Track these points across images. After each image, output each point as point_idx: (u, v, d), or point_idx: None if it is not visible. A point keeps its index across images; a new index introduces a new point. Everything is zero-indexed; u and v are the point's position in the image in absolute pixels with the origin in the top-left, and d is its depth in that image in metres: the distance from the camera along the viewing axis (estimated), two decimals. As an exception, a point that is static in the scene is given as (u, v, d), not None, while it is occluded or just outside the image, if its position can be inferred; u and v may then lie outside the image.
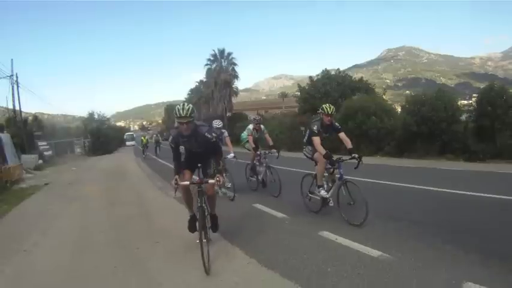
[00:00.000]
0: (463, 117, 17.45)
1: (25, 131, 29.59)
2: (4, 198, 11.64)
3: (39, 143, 33.66)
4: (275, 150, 9.20)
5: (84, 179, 16.92)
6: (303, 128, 24.54)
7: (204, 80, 53.54)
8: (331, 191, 6.43)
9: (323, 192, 6.48)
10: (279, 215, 6.97)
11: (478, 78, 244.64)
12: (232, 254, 4.98)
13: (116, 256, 5.28)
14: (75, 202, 10.31)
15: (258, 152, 9.28)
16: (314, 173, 6.71)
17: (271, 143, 9.67)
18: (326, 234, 5.51)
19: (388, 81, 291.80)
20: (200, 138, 4.89)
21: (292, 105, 47.71)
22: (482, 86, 17.67)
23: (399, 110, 22.10)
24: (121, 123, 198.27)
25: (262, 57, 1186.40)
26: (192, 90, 62.29)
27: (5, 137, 21.51)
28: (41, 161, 26.73)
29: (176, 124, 4.69)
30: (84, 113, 68.07)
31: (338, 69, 36.74)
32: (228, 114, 46.72)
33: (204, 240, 4.51)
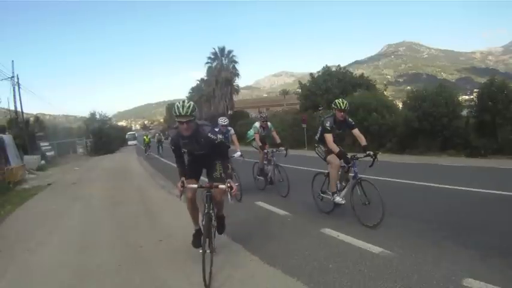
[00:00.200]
0: (464, 112, 17.46)
1: (27, 132, 29.69)
2: (7, 199, 11.69)
3: (41, 144, 33.79)
4: (283, 148, 8.88)
5: (87, 179, 16.97)
6: (304, 126, 24.69)
7: (205, 78, 53.67)
8: (345, 190, 6.17)
9: (338, 199, 6.12)
10: (281, 212, 7.00)
11: (479, 73, 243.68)
12: (235, 251, 5.02)
13: (119, 254, 5.32)
14: (79, 201, 10.36)
15: (266, 151, 8.99)
16: (326, 171, 6.42)
17: (278, 140, 9.35)
18: (328, 231, 5.54)
19: (389, 77, 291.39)
20: (203, 140, 4.39)
21: (293, 103, 47.82)
22: (483, 80, 17.66)
23: (400, 106, 22.13)
24: (122, 123, 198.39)
25: (262, 55, 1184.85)
26: (193, 89, 62.39)
27: (7, 138, 21.59)
28: (43, 162, 26.80)
29: (176, 124, 4.30)
30: (85, 113, 68.18)
31: (339, 65, 36.79)
32: (230, 112, 46.80)
33: (208, 251, 4.12)
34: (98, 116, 63.60)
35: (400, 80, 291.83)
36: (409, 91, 20.84)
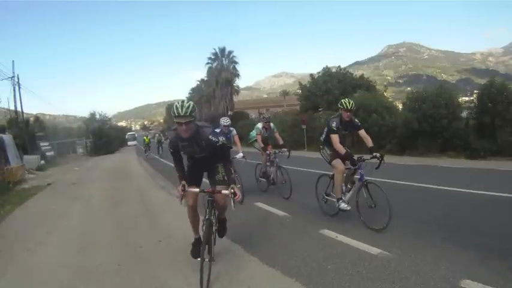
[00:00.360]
0: (464, 114, 17.46)
1: (27, 132, 29.72)
2: (7, 199, 11.72)
3: (41, 144, 33.84)
4: (286, 149, 8.69)
5: (86, 179, 17.00)
6: (304, 127, 24.69)
7: (205, 78, 53.69)
8: (350, 193, 6.04)
9: (343, 205, 5.93)
10: (280, 213, 7.01)
11: (479, 74, 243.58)
12: (234, 252, 5.03)
13: (119, 254, 5.33)
14: (79, 202, 10.37)
15: (268, 152, 8.82)
16: (331, 173, 6.28)
17: (281, 142, 9.12)
18: (326, 232, 5.56)
19: (389, 78, 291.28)
20: (203, 142, 4.18)
21: (293, 103, 47.88)
22: (483, 82, 17.67)
23: (400, 107, 22.13)
24: (122, 123, 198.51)
25: (262, 55, 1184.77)
26: (193, 89, 62.39)
27: (7, 138, 21.61)
28: (43, 162, 26.84)
29: (175, 126, 4.08)
30: (85, 113, 68.28)
31: (339, 66, 36.84)
32: (230, 113, 46.78)
33: (206, 260, 4.00)
34: (97, 116, 63.73)
35: (400, 81, 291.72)
36: (409, 92, 20.86)
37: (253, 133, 9.21)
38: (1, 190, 13.11)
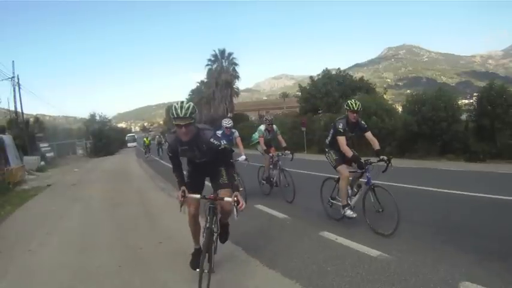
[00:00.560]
0: (464, 116, 17.48)
1: (27, 133, 29.69)
2: (7, 200, 11.71)
3: (41, 145, 33.80)
4: (289, 152, 8.51)
5: (86, 180, 17.01)
6: (304, 129, 24.70)
7: (205, 80, 53.72)
8: (357, 197, 5.89)
9: (349, 213, 5.78)
10: (281, 215, 7.02)
11: (479, 76, 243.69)
12: (234, 254, 5.05)
13: (119, 256, 5.35)
14: (79, 203, 10.39)
15: (271, 155, 8.68)
16: (336, 177, 6.14)
17: (284, 144, 8.92)
18: (326, 234, 5.58)
19: (389, 80, 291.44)
20: (204, 146, 3.93)
21: (293, 106, 47.87)
22: (483, 84, 17.69)
23: (400, 109, 22.15)
24: (122, 125, 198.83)
25: (262, 57, 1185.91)
26: (193, 91, 62.41)
27: (7, 138, 21.63)
28: (43, 163, 26.83)
29: (174, 128, 3.83)
30: (85, 115, 68.29)
31: (339, 68, 36.99)
32: (230, 115, 46.72)
33: (206, 271, 3.76)
34: (97, 118, 63.73)
35: (400, 83, 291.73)
36: (409, 95, 20.89)
37: (256, 135, 9.03)
38: (1, 191, 13.11)
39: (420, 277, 3.86)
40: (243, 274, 4.33)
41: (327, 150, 6.23)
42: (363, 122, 6.00)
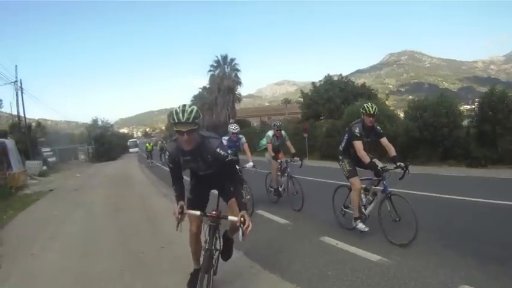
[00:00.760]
0: (465, 122, 17.49)
1: (29, 137, 29.75)
2: (9, 204, 11.80)
3: (43, 150, 33.84)
4: (298, 159, 8.24)
5: (89, 185, 17.08)
6: (305, 135, 24.70)
7: (207, 86, 53.76)
8: (372, 205, 5.67)
9: (361, 226, 5.53)
10: (282, 221, 7.06)
11: (481, 82, 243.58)
12: (235, 258, 5.04)
13: (122, 260, 5.38)
14: (81, 208, 10.43)
15: (279, 161, 8.36)
16: (349, 184, 5.84)
17: (293, 150, 8.65)
18: (327, 239, 5.63)
19: (390, 86, 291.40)
20: (210, 156, 3.44)
21: (295, 112, 47.88)
22: (485, 90, 17.69)
23: (402, 115, 22.16)
24: (124, 130, 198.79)
25: (264, 63, 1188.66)
26: (195, 97, 62.44)
27: (10, 142, 21.69)
28: (45, 168, 26.87)
29: (175, 136, 3.37)
30: (87, 120, 68.29)
31: (340, 74, 37.02)
32: (232, 120, 46.79)
33: None
34: (100, 123, 63.84)
35: (402, 89, 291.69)
36: (410, 101, 20.89)
37: (264, 141, 8.74)
38: (3, 195, 13.19)
39: (420, 281, 3.89)
40: (244, 278, 4.36)
41: (340, 158, 5.92)
42: (378, 127, 5.78)
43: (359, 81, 43.85)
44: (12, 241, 7.10)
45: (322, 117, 32.36)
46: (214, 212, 3.54)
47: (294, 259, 4.88)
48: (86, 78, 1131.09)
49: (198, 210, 3.55)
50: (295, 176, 8.25)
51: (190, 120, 3.05)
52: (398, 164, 5.32)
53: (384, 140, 5.68)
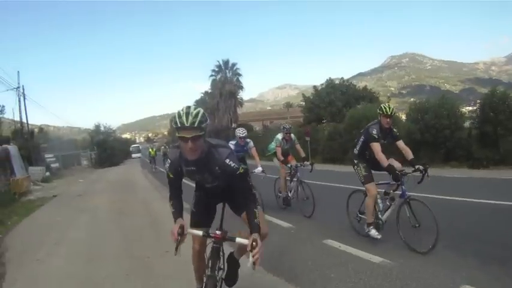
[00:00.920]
0: (467, 123, 17.52)
1: (32, 143, 29.84)
2: (13, 210, 11.87)
3: (46, 155, 33.87)
4: (308, 163, 7.99)
5: (92, 191, 17.11)
6: (308, 139, 24.72)
7: (209, 91, 53.83)
8: (389, 211, 5.41)
9: (374, 233, 5.35)
10: (285, 224, 7.08)
11: (483, 83, 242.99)
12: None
13: (127, 265, 5.42)
14: (85, 213, 10.49)
15: (289, 165, 8.08)
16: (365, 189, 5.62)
17: (303, 154, 8.41)
18: (330, 242, 5.67)
19: (392, 89, 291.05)
20: (218, 168, 2.90)
21: (297, 115, 47.96)
22: (486, 91, 17.73)
23: (403, 118, 22.17)
24: (127, 135, 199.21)
25: (266, 67, 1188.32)
26: (197, 102, 62.46)
27: (13, 148, 21.73)
28: (48, 173, 26.94)
29: (177, 142, 2.80)
30: (89, 125, 68.49)
31: (342, 78, 37.13)
32: (234, 125, 46.81)
33: None
34: (102, 128, 63.90)
35: (404, 91, 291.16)
36: (412, 103, 20.94)
37: (273, 145, 8.45)
38: (7, 201, 13.26)
39: (421, 282, 3.93)
40: (247, 281, 4.38)
41: (355, 162, 5.69)
42: (395, 130, 5.60)
43: (360, 84, 44.09)
44: (17, 247, 7.14)
45: (324, 121, 32.41)
46: (218, 232, 2.99)
47: (297, 262, 4.92)
48: (88, 84, 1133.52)
49: (202, 226, 3.19)
50: (306, 181, 7.96)
51: (196, 124, 2.55)
52: (416, 167, 5.12)
53: (400, 143, 5.50)
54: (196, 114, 2.59)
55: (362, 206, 5.81)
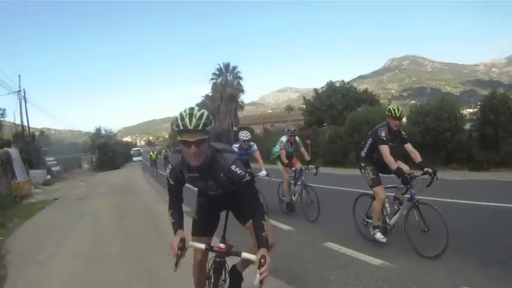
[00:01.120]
0: (467, 126, 17.54)
1: (33, 146, 29.89)
2: (14, 213, 11.87)
3: (47, 159, 33.88)
4: (313, 166, 7.79)
5: (93, 194, 17.14)
6: (308, 142, 24.73)
7: (210, 94, 53.77)
8: (397, 215, 5.33)
9: (379, 236, 5.29)
10: (286, 227, 7.08)
11: (483, 85, 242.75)
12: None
13: (128, 267, 5.43)
14: (86, 216, 10.50)
15: (294, 168, 8.07)
16: (372, 192, 5.55)
17: (308, 157, 8.28)
18: (330, 244, 5.68)
19: (393, 91, 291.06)
20: (223, 175, 2.66)
21: (298, 118, 47.87)
22: (487, 93, 17.77)
23: (404, 120, 22.19)
24: (127, 139, 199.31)
25: (267, 71, 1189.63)
26: (198, 105, 62.17)
27: (14, 152, 21.71)
28: (49, 177, 26.97)
29: (179, 146, 2.57)
30: (90, 128, 68.46)
31: (342, 81, 37.18)
32: (235, 128, 46.75)
33: None
34: (103, 132, 63.91)
35: (405, 94, 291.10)
36: (412, 106, 20.97)
37: (277, 148, 8.26)
38: (9, 204, 13.26)
39: (421, 284, 3.94)
40: (249, 283, 4.40)
41: (362, 165, 5.59)
42: (403, 132, 5.48)
43: (361, 87, 44.03)
44: (18, 249, 7.15)
45: (324, 124, 32.47)
46: (222, 246, 2.69)
47: (298, 264, 4.93)
48: (89, 87, 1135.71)
49: (204, 235, 3.08)
50: (310, 185, 7.81)
51: (200, 127, 2.33)
52: (425, 170, 4.97)
53: (408, 146, 5.35)
54: (201, 116, 2.37)
55: (369, 210, 5.70)
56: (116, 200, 13.64)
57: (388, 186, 5.44)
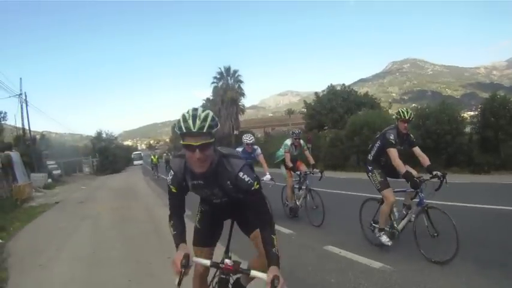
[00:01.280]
0: (468, 129, 17.54)
1: (34, 150, 29.93)
2: (15, 216, 11.91)
3: (48, 162, 33.89)
4: (318, 170, 7.62)
5: (94, 198, 17.15)
6: (309, 145, 24.72)
7: (211, 97, 53.80)
8: (405, 220, 5.23)
9: (385, 239, 5.20)
10: (286, 231, 7.09)
11: (484, 88, 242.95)
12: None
13: (129, 270, 5.44)
14: (87, 220, 10.51)
15: (298, 172, 7.92)
16: (379, 196, 5.49)
17: (312, 161, 8.13)
18: (330, 248, 5.69)
19: (394, 94, 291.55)
20: (229, 182, 2.42)
21: (299, 122, 47.91)
22: (487, 96, 17.78)
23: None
24: (128, 142, 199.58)
25: (268, 74, 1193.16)
26: (199, 109, 62.46)
27: (15, 155, 21.76)
28: (50, 180, 27.01)
29: (182, 150, 2.31)
30: (91, 132, 68.50)
31: (343, 84, 37.15)
32: (235, 132, 46.80)
33: None
34: (104, 135, 63.93)
35: (405, 97, 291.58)
36: (413, 109, 20.97)
37: (281, 151, 8.11)
38: (10, 207, 13.32)
39: (421, 286, 3.96)
40: (248, 286, 4.41)
41: (370, 168, 5.49)
42: (411, 136, 5.39)
43: (362, 90, 44.11)
44: (19, 252, 7.17)
45: (325, 127, 32.45)
46: (230, 263, 2.43)
47: (298, 267, 4.94)
48: (90, 91, 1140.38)
49: (207, 245, 2.92)
50: (315, 189, 7.67)
51: (205, 130, 2.08)
52: (434, 173, 4.88)
53: (417, 149, 5.28)
54: (206, 118, 2.11)
55: (376, 215, 5.55)
56: (117, 204, 13.66)
57: (396, 190, 5.35)
